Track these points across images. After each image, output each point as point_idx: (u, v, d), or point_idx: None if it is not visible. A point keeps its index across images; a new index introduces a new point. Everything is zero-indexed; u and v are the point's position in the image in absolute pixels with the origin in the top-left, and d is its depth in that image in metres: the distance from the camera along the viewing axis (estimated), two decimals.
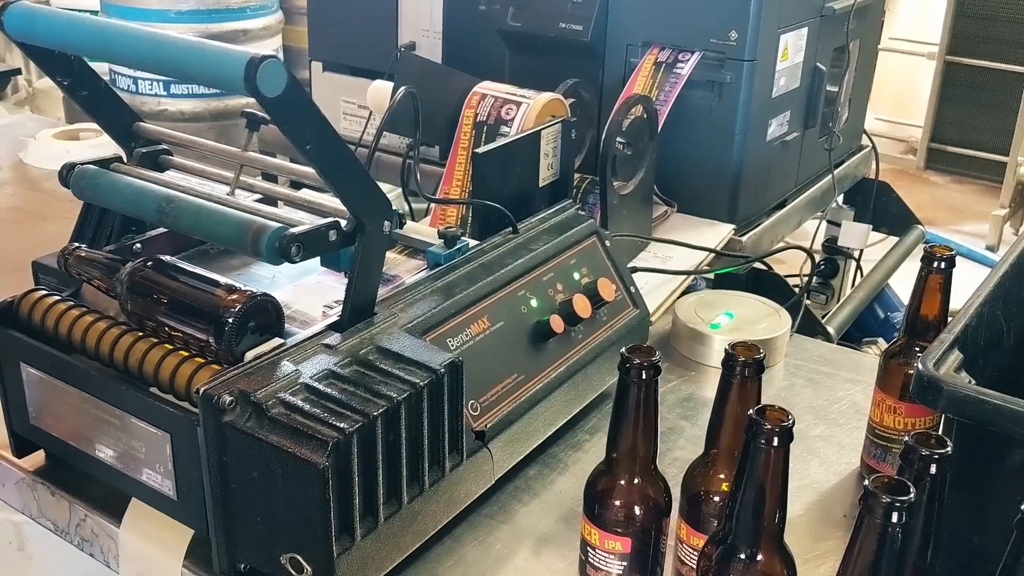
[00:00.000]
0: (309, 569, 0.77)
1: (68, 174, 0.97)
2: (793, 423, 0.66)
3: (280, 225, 0.85)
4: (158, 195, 0.92)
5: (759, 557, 0.68)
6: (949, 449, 0.65)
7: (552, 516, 0.97)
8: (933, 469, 0.65)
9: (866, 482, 0.60)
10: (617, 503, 0.76)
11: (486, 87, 1.31)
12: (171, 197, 0.91)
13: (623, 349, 0.74)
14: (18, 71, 3.62)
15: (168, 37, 0.80)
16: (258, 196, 1.02)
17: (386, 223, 0.88)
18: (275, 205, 1.00)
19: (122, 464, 0.88)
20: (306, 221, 0.88)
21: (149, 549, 0.90)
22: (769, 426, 0.65)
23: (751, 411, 0.66)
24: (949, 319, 0.86)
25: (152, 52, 0.80)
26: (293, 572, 0.78)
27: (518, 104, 1.26)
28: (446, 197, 1.27)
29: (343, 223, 0.88)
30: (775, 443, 0.65)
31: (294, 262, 0.84)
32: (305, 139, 0.78)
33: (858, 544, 0.61)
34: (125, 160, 1.03)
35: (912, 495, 0.59)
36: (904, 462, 0.66)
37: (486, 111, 1.28)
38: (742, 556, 0.68)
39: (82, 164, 0.98)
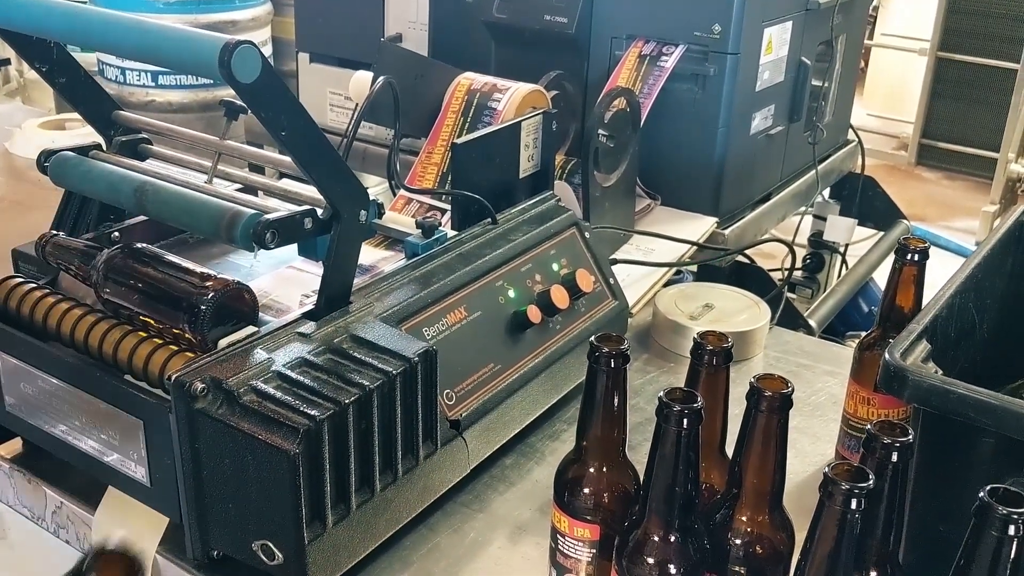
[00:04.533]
0: (280, 555, 0.77)
1: (47, 160, 0.97)
2: (792, 390, 0.69)
3: (255, 212, 0.85)
4: (134, 181, 0.92)
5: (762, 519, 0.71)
6: (911, 438, 0.65)
7: (528, 505, 0.97)
8: (895, 457, 0.65)
9: (825, 469, 0.61)
10: (586, 490, 0.76)
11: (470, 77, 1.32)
12: (147, 184, 0.91)
13: (592, 338, 0.75)
14: (8, 61, 3.60)
15: (144, 23, 0.80)
16: (237, 186, 1.02)
17: (362, 212, 0.89)
18: (254, 195, 1.00)
19: (97, 451, 0.88)
20: (283, 210, 0.88)
21: (124, 536, 0.90)
22: (769, 392, 0.68)
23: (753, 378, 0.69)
24: None
25: (128, 37, 0.80)
26: (264, 559, 0.78)
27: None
28: (422, 188, 1.27)
29: (319, 211, 0.88)
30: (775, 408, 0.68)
31: (268, 248, 0.85)
32: (280, 126, 0.79)
33: (818, 531, 0.61)
34: (105, 148, 1.03)
35: (871, 482, 0.60)
36: (866, 450, 0.66)
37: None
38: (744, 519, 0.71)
39: (61, 151, 0.98)
